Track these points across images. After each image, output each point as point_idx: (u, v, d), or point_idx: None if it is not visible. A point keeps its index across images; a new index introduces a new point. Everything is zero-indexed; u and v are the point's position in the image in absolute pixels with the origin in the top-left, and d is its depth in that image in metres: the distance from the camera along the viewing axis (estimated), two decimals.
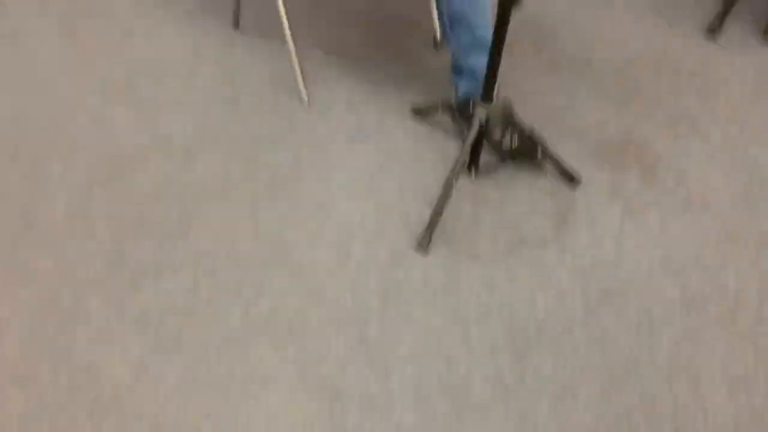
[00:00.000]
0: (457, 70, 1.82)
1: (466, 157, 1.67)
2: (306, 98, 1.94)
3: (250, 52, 2.08)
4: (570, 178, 1.75)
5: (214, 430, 1.27)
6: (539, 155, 1.74)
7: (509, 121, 1.70)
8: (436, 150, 1.84)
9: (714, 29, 2.21)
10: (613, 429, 1.30)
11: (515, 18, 1.49)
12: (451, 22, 1.74)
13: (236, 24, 2.15)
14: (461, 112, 1.82)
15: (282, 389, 1.33)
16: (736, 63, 2.13)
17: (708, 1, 2.33)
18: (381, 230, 1.64)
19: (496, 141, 1.74)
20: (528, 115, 1.93)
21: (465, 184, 1.75)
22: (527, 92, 2.00)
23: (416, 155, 1.83)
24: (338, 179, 1.76)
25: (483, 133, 1.66)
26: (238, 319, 1.44)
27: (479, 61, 1.75)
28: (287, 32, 1.88)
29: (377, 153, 1.83)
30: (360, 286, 1.52)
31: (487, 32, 1.72)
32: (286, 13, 1.85)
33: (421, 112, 1.92)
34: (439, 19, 1.78)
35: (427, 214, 1.62)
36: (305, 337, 1.42)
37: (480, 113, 1.61)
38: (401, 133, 1.88)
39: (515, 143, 1.73)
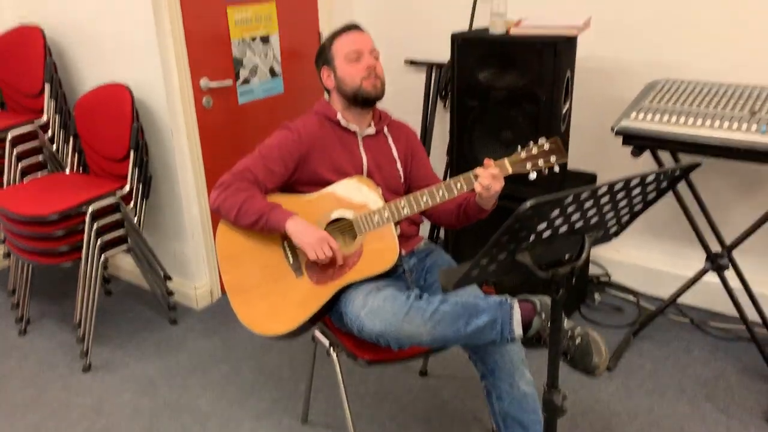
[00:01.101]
0: None
1: None
2: None
3: None
4: None
5: None
6: None
7: None
8: None
9: None
10: None
11: (569, 411, 1.58)
12: (504, 420, 1.83)
13: (305, 418, 2.31)
14: None
15: None
16: None
17: (763, 388, 2.38)
18: None
19: None
20: None
21: None
22: None
23: None
24: None
25: None
26: None
27: None
28: (350, 428, 2.00)
29: None
30: None
31: (541, 429, 1.80)
32: (350, 407, 2.01)
33: None
34: (492, 415, 1.88)
35: None
36: None
37: None
38: None
39: None
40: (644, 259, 3.01)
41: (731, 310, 2.73)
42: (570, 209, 1.26)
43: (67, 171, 2.95)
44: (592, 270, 3.10)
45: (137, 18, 2.63)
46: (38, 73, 2.92)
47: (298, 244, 1.81)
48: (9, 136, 2.79)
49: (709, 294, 2.80)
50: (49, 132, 2.97)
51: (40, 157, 2.94)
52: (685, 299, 2.86)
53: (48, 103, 2.93)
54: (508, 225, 1.19)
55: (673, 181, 1.40)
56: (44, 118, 2.93)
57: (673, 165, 1.34)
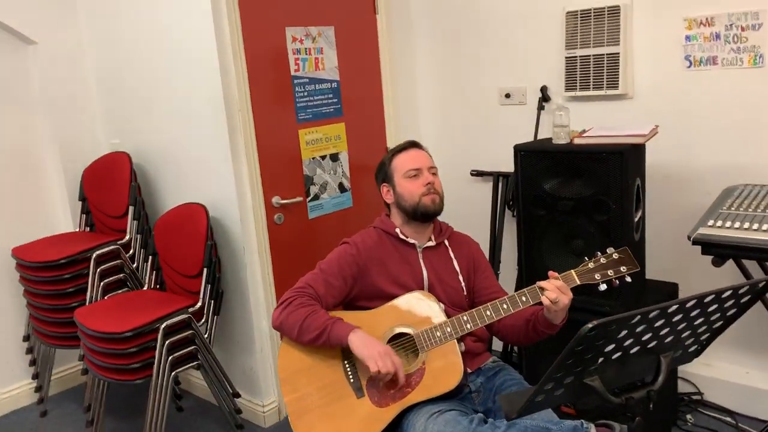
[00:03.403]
0: None
1: None
2: None
3: None
4: None
5: None
6: None
7: None
8: None
9: None
10: None
11: None
12: None
13: None
14: None
15: None
16: None
17: None
18: None
19: None
20: None
21: None
22: None
23: None
24: None
25: None
26: None
27: None
28: None
29: None
30: None
31: None
32: None
33: None
34: None
35: None
36: None
37: None
38: None
39: None
40: (741, 375, 2.76)
41: None
42: (639, 329, 1.18)
43: (146, 288, 3.06)
44: (682, 387, 2.86)
45: (214, 143, 2.80)
46: (123, 197, 3.12)
47: (360, 356, 1.76)
48: (93, 256, 2.94)
49: None
50: (131, 251, 3.12)
51: (121, 276, 3.08)
52: None
53: (131, 224, 3.10)
54: (571, 347, 1.12)
55: (756, 294, 1.29)
56: (126, 237, 3.09)
57: (751, 279, 1.24)
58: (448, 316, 1.84)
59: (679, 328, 1.25)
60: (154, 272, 3.04)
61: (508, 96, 3.21)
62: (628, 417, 1.30)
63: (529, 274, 2.61)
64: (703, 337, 1.36)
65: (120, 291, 3.05)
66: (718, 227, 2.16)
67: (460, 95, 3.40)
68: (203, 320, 2.80)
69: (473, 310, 1.81)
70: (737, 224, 2.14)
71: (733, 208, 2.25)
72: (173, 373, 2.66)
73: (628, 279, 1.77)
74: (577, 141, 2.44)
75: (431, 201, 1.94)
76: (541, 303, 1.76)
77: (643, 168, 2.53)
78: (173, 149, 3.06)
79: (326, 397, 1.83)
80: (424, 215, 1.95)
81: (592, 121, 2.82)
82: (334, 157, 3.20)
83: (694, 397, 2.84)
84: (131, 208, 3.10)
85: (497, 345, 3.28)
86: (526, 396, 1.24)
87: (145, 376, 2.62)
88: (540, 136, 3.07)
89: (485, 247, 3.26)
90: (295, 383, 1.87)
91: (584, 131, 2.51)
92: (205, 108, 2.80)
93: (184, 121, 2.94)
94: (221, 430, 2.98)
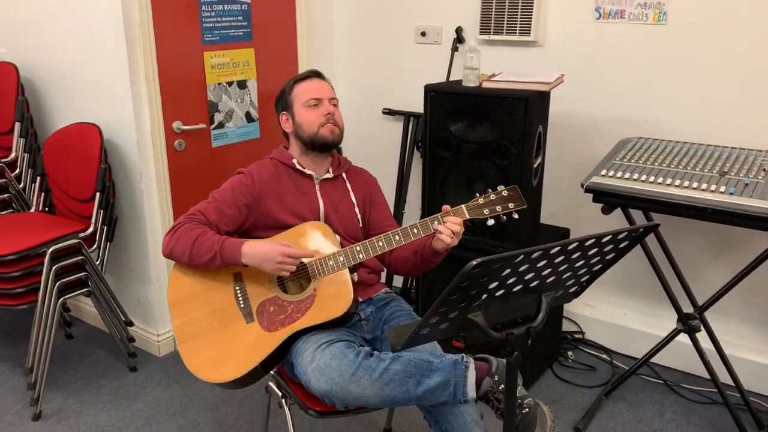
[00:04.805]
0: None
1: None
2: None
3: None
4: None
5: None
6: None
7: None
8: None
9: None
10: None
11: None
12: None
13: None
14: None
15: None
16: None
17: None
18: None
19: None
20: None
21: None
22: None
23: None
24: None
25: None
26: None
27: None
28: None
29: None
30: None
31: None
32: None
33: None
34: None
35: None
36: None
37: None
38: None
39: None
40: (619, 317, 2.96)
41: (705, 372, 2.67)
42: (522, 268, 1.22)
43: (33, 210, 2.89)
44: (566, 326, 3.04)
45: (111, 59, 2.62)
46: (9, 112, 2.89)
47: (258, 267, 1.77)
48: None
49: (683, 355, 2.74)
50: (17, 170, 2.92)
51: (6, 196, 2.88)
52: (660, 359, 2.80)
53: (17, 142, 2.89)
54: (455, 283, 1.15)
55: (633, 241, 1.36)
56: (12, 155, 2.88)
57: (631, 226, 1.30)
58: (343, 247, 1.85)
59: (561, 269, 1.31)
60: (43, 194, 2.87)
61: (423, 34, 3.17)
62: (508, 352, 1.36)
63: (431, 213, 2.64)
64: (583, 279, 1.43)
65: (4, 212, 2.86)
66: (610, 177, 2.26)
67: (377, 30, 3.33)
68: (95, 246, 2.68)
69: (366, 240, 1.82)
70: (627, 175, 2.25)
71: (625, 160, 2.35)
72: (61, 300, 2.56)
73: (515, 216, 1.82)
74: (485, 85, 2.45)
75: (330, 131, 1.92)
76: (430, 234, 1.80)
77: (547, 115, 2.59)
78: (66, 64, 2.85)
79: (215, 322, 1.81)
80: (322, 146, 1.93)
81: (504, 67, 2.85)
82: (242, 85, 3.08)
83: (576, 336, 3.03)
84: (18, 125, 2.89)
85: (398, 281, 3.35)
86: (412, 329, 1.27)
87: (29, 301, 2.50)
88: (452, 78, 3.08)
89: (393, 186, 3.29)
90: (183, 308, 1.84)
91: (493, 75, 2.53)
92: (102, 21, 2.60)
93: (79, 34, 2.73)
94: (112, 358, 2.91)
